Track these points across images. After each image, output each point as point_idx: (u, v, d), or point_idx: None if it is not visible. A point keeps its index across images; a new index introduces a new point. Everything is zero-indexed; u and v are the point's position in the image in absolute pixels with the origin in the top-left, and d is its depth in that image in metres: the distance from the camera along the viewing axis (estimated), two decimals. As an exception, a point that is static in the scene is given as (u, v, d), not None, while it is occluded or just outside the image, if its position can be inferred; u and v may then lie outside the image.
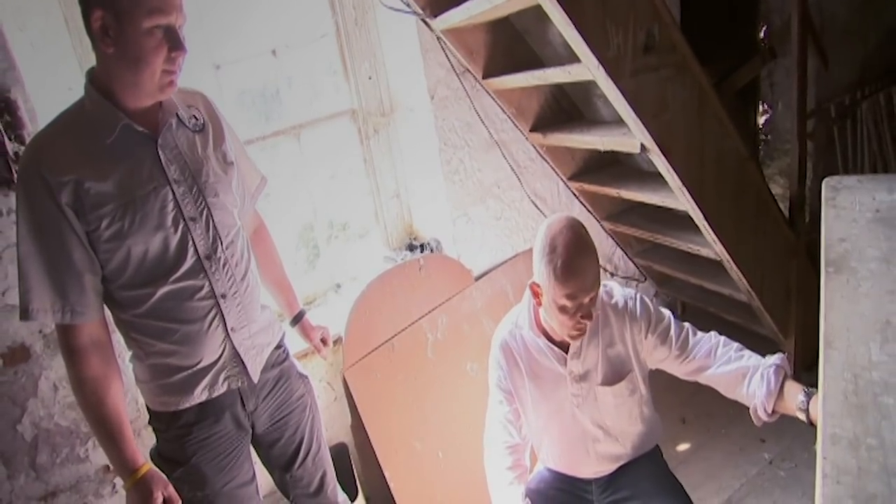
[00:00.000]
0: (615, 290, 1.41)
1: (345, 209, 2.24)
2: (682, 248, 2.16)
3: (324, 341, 1.58)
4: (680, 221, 2.23)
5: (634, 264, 2.71)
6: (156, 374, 1.15)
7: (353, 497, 1.70)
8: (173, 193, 1.08)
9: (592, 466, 1.46)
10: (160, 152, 1.08)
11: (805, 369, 2.19)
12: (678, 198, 1.81)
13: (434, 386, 2.00)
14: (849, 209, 1.22)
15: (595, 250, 1.26)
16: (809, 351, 2.18)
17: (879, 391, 0.73)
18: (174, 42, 1.01)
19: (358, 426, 1.93)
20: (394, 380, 1.93)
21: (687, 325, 1.38)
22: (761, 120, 3.28)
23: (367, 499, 1.91)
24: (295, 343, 1.53)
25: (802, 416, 1.13)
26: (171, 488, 1.09)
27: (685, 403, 2.31)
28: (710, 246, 1.95)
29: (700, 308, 2.57)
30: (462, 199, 2.19)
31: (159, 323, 1.11)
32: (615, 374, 1.36)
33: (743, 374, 1.25)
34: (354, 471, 1.87)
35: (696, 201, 1.75)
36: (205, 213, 1.13)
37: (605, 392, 1.36)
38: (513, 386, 1.42)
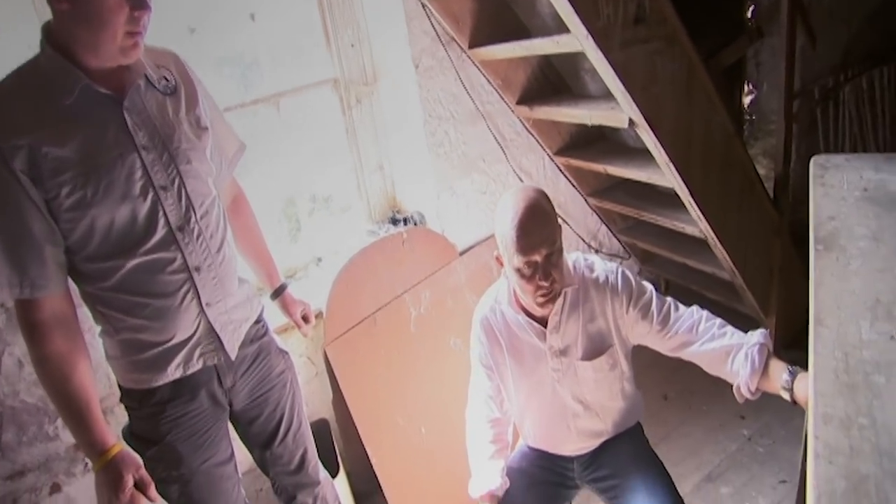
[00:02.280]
0: (596, 264, 1.38)
1: (327, 181, 2.17)
2: (666, 225, 2.15)
3: (305, 318, 1.53)
4: (665, 198, 2.22)
5: (619, 241, 2.70)
6: (126, 350, 1.09)
7: (334, 473, 1.67)
8: (141, 160, 1.01)
9: (573, 443, 1.45)
10: (126, 116, 1.00)
11: (784, 347, 2.21)
12: (665, 174, 1.78)
13: (417, 361, 1.97)
14: (837, 187, 1.21)
15: (552, 213, 1.23)
16: (789, 329, 2.19)
17: (870, 370, 0.71)
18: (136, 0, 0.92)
19: (339, 402, 1.90)
20: (376, 355, 1.90)
21: (669, 299, 1.35)
22: (746, 100, 3.26)
23: (348, 475, 1.88)
24: (275, 317, 1.48)
25: (786, 395, 1.13)
26: (142, 470, 1.04)
27: (667, 380, 2.32)
28: (695, 223, 1.93)
29: (683, 286, 2.57)
30: (447, 172, 2.14)
31: (129, 297, 1.05)
32: (595, 348, 1.34)
33: (727, 352, 1.23)
34: (336, 447, 1.84)
35: (682, 178, 1.73)
36: (176, 181, 1.06)
37: (586, 367, 1.35)
38: (494, 362, 1.40)
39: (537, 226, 1.20)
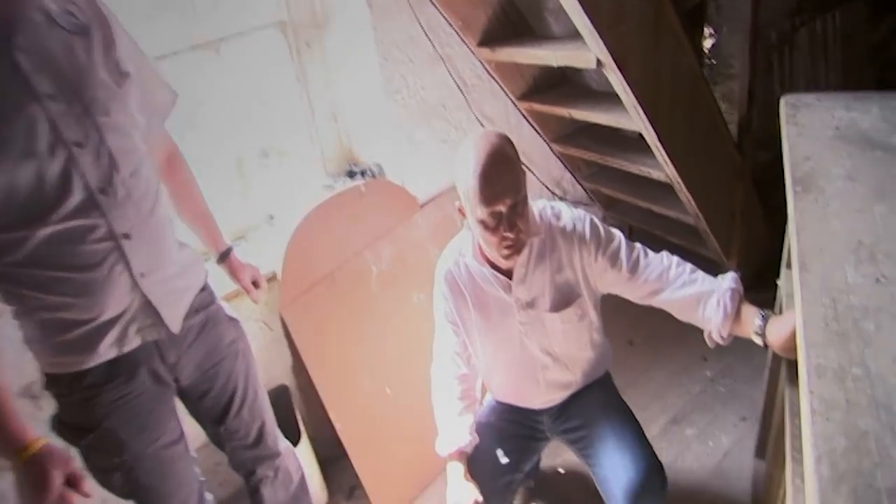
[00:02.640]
0: (563, 212, 1.30)
1: (276, 133, 2.00)
2: (631, 170, 2.10)
3: (255, 283, 1.41)
4: (630, 143, 2.16)
5: (583, 188, 2.65)
6: (48, 332, 0.96)
7: (295, 442, 1.59)
8: (45, 111, 0.86)
9: (542, 396, 1.42)
10: (18, 57, 0.84)
11: (745, 289, 2.23)
12: (632, 117, 1.71)
13: (379, 319, 1.89)
14: (809, 127, 1.17)
15: (516, 159, 1.14)
16: (750, 271, 2.20)
17: (859, 316, 0.67)
18: None
19: (299, 366, 1.81)
20: (336, 315, 1.81)
21: (638, 245, 1.29)
22: (707, 44, 3.19)
23: (312, 441, 1.82)
24: (223, 284, 1.37)
25: (758, 340, 1.10)
26: (73, 464, 0.93)
27: (633, 326, 2.33)
28: (662, 168, 1.88)
29: (647, 231, 2.55)
30: (405, 120, 1.99)
31: (44, 272, 0.91)
32: (563, 299, 1.29)
33: (697, 298, 1.19)
34: (297, 414, 1.76)
35: (650, 120, 1.66)
36: (94, 136, 0.91)
37: (554, 318, 1.30)
38: (459, 317, 1.34)
39: (501, 174, 1.11)
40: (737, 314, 1.15)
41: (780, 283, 1.37)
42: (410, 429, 1.84)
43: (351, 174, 2.03)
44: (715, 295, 1.17)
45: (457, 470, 1.31)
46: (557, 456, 1.88)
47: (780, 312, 1.34)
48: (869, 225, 0.83)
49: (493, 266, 1.28)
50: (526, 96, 2.19)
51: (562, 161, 2.51)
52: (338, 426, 1.73)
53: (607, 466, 1.32)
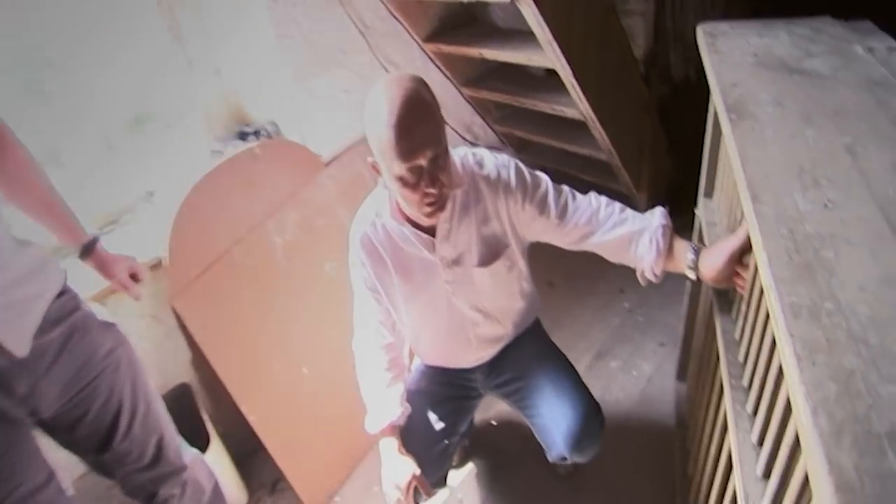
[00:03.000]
0: (486, 159, 1.19)
1: (149, 96, 1.70)
2: (544, 110, 2.03)
3: (134, 277, 1.18)
4: (541, 83, 2.09)
5: (494, 132, 2.56)
6: None
7: (204, 447, 1.40)
8: None
9: (474, 353, 1.35)
10: None
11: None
12: (546, 53, 1.62)
13: (289, 295, 1.70)
14: (730, 54, 1.14)
15: (434, 104, 1.01)
16: (659, 203, 2.27)
17: (818, 245, 0.64)
18: None
19: (200, 360, 1.59)
20: (239, 297, 1.60)
21: (566, 188, 1.22)
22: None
23: (224, 438, 1.62)
24: (94, 282, 1.15)
25: (691, 274, 1.08)
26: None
27: (551, 267, 2.32)
28: (575, 105, 1.83)
29: (559, 171, 2.53)
30: (300, 69, 1.76)
31: None
32: (491, 252, 1.20)
33: (629, 238, 1.14)
34: (203, 413, 1.55)
35: (565, 56, 1.58)
36: None
37: (482, 273, 1.21)
38: (380, 283, 1.22)
39: (419, 123, 0.96)
40: (669, 250, 1.12)
41: (698, 211, 1.37)
42: (334, 408, 1.71)
43: (242, 136, 1.78)
44: (646, 233, 1.13)
45: (390, 446, 1.22)
46: (489, 409, 1.85)
47: (700, 241, 1.36)
48: (805, 149, 0.80)
49: (414, 224, 1.15)
50: (432, 38, 2.03)
51: (472, 105, 2.40)
52: (251, 419, 1.55)
53: (546, 416, 1.29)
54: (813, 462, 0.46)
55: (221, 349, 1.55)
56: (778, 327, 0.56)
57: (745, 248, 0.96)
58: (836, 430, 0.46)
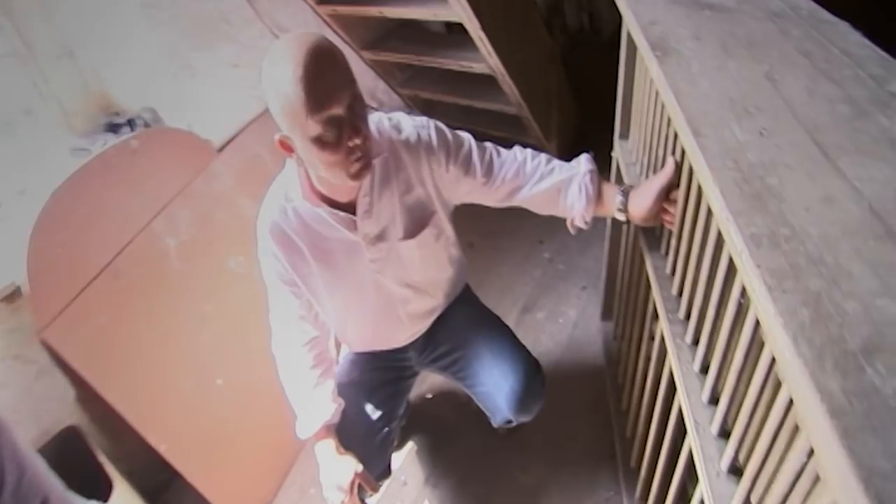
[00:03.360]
0: (403, 122, 1.10)
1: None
2: (451, 67, 1.96)
3: None
4: (444, 40, 2.01)
5: (399, 95, 2.45)
6: None
7: (105, 495, 1.19)
8: None
9: (406, 331, 1.27)
10: None
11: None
12: (453, 7, 1.53)
13: (191, 301, 1.50)
14: (641, -8, 1.11)
15: (340, 52, 0.90)
16: (570, 150, 2.31)
17: (763, 172, 0.64)
18: None
19: (88, 396, 1.36)
20: (128, 314, 1.38)
21: (489, 145, 1.16)
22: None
23: (132, 476, 1.40)
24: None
25: (621, 216, 1.08)
26: None
27: (469, 229, 2.24)
28: (484, 59, 1.77)
29: (469, 129, 2.48)
30: (177, 44, 1.53)
31: None
32: (417, 222, 1.12)
33: (558, 188, 1.11)
34: (100, 456, 1.32)
35: (472, 9, 1.50)
36: None
37: (409, 246, 1.13)
38: (297, 274, 1.10)
39: (328, 69, 0.85)
40: (598, 196, 1.11)
41: (614, 154, 1.39)
42: (257, 417, 1.57)
43: (113, 128, 1.52)
44: (575, 181, 1.10)
45: (327, 448, 1.14)
46: (423, 383, 1.81)
47: (619, 182, 1.38)
48: (731, 81, 0.80)
49: (331, 203, 1.04)
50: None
51: (374, 70, 2.25)
52: (162, 448, 1.37)
53: (488, 383, 1.25)
54: (801, 391, 0.46)
55: (113, 378, 1.33)
56: (742, 260, 0.55)
57: (672, 185, 0.97)
58: (817, 355, 0.46)
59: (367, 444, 1.20)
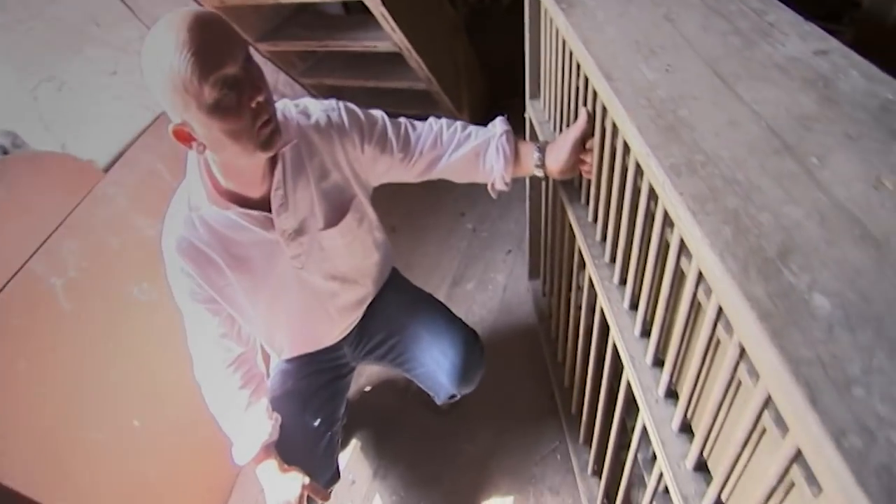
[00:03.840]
0: (311, 106, 1.03)
1: None
2: (354, 49, 1.89)
3: None
4: (343, 22, 1.93)
5: (302, 86, 2.34)
6: None
7: None
8: None
9: (337, 326, 1.22)
10: None
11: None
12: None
13: (90, 344, 1.31)
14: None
15: (224, 19, 0.82)
16: (481, 119, 2.32)
17: (674, 106, 0.66)
18: None
19: None
20: (12, 374, 1.16)
21: (403, 119, 1.12)
22: None
23: None
24: None
25: (540, 172, 1.08)
26: None
27: (389, 212, 2.21)
28: (389, 37, 1.72)
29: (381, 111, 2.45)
30: (35, 53, 1.32)
31: None
32: (337, 209, 1.06)
33: (476, 153, 1.10)
34: None
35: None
36: None
37: (332, 235, 1.07)
38: (214, 290, 1.01)
39: (215, 31, 0.78)
40: (515, 155, 1.11)
41: (527, 114, 1.41)
42: (185, 450, 1.44)
43: None
44: (491, 144, 1.10)
45: (269, 469, 1.06)
46: (359, 376, 1.78)
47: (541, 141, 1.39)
48: (633, 25, 0.83)
49: (241, 202, 0.95)
50: (212, -8, 1.71)
51: (273, 62, 2.12)
52: None
53: (428, 362, 1.23)
54: (731, 302, 0.48)
55: (3, 448, 1.11)
56: (665, 190, 0.57)
57: (587, 134, 0.99)
58: (742, 267, 0.48)
59: (311, 453, 1.15)
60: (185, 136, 0.83)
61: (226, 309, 1.04)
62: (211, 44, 0.76)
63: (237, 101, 0.79)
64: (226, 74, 0.77)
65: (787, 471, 0.49)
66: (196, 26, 0.76)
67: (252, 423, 1.07)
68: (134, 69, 1.52)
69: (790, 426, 0.44)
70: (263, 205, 0.97)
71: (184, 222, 0.95)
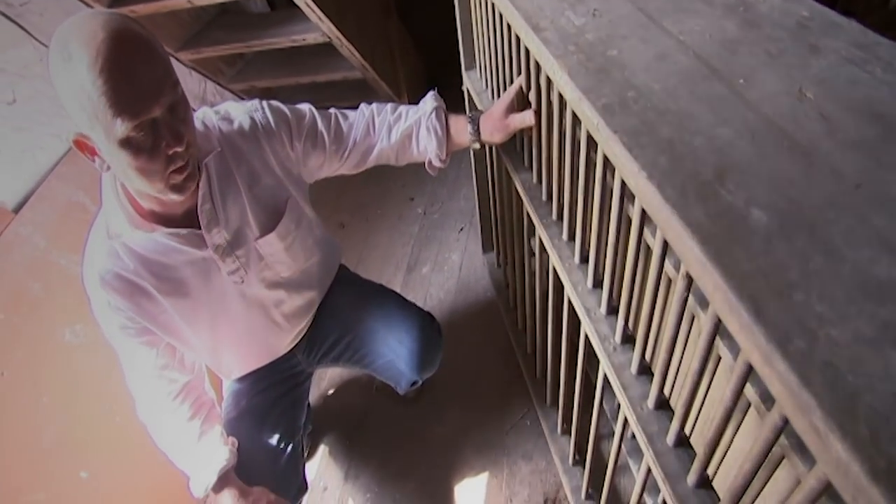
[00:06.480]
0: (232, 111, 0.96)
1: None
2: (282, 45, 1.79)
3: None
4: (271, 19, 1.85)
5: (232, 92, 2.22)
6: None
7: None
8: None
9: (287, 335, 1.15)
10: None
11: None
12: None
13: (21, 402, 1.17)
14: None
15: (152, 38, 0.72)
16: (419, 98, 2.29)
17: (603, 48, 0.65)
18: None
19: None
20: None
21: (332, 111, 1.06)
22: None
23: None
24: None
25: (476, 145, 1.06)
26: None
27: (335, 210, 2.18)
28: (318, 28, 1.65)
29: (317, 105, 2.36)
30: None
31: None
32: (271, 214, 0.99)
33: (409, 135, 1.06)
34: None
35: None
36: None
37: (269, 241, 1.00)
38: (147, 320, 0.93)
39: (139, 61, 0.67)
40: (447, 131, 1.07)
41: (465, 86, 1.38)
42: (142, 491, 1.34)
43: None
44: (422, 123, 1.06)
45: (231, 496, 0.98)
46: (321, 381, 1.72)
47: (474, 110, 1.37)
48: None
49: (166, 222, 0.87)
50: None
51: (199, 71, 1.99)
52: None
53: (386, 353, 1.19)
54: (673, 229, 0.47)
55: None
56: (600, 130, 0.56)
57: (519, 96, 0.97)
58: (680, 193, 0.48)
59: (273, 470, 1.08)
60: (87, 149, 0.74)
61: (164, 339, 0.96)
62: (134, 80, 0.66)
63: (153, 143, 0.71)
64: (146, 119, 0.69)
65: (741, 389, 0.49)
66: (116, 48, 0.65)
67: (206, 452, 0.99)
68: (36, 94, 1.36)
69: (739, 343, 0.44)
70: (192, 220, 0.89)
71: (106, 253, 0.87)
